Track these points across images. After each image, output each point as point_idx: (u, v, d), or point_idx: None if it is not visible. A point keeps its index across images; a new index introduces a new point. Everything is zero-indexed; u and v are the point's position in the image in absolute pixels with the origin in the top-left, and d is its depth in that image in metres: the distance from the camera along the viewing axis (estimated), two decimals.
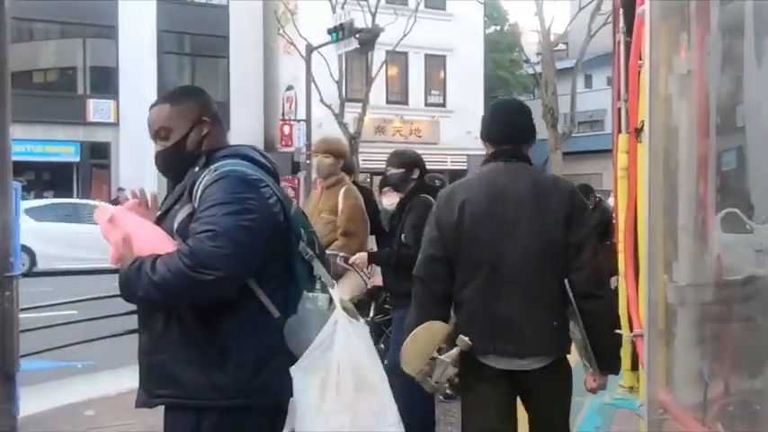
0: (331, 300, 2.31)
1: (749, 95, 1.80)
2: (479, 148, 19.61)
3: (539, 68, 25.91)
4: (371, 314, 5.03)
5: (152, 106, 2.36)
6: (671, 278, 2.03)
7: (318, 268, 2.30)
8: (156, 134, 2.32)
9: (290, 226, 2.24)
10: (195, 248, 2.00)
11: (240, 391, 2.12)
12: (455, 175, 22.02)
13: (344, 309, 2.30)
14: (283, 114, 25.36)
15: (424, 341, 2.98)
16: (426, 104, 28.64)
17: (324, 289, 2.32)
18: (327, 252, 4.82)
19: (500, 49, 35.95)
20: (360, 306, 5.25)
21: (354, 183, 5.96)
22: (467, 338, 2.86)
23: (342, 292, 4.83)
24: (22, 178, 24.82)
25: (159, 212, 2.31)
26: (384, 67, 24.11)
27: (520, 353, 2.84)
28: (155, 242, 2.13)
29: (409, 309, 4.07)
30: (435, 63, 28.66)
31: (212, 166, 2.18)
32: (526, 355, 2.84)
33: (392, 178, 4.63)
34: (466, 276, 2.92)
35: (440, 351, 2.93)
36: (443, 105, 28.73)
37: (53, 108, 23.60)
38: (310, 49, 21.34)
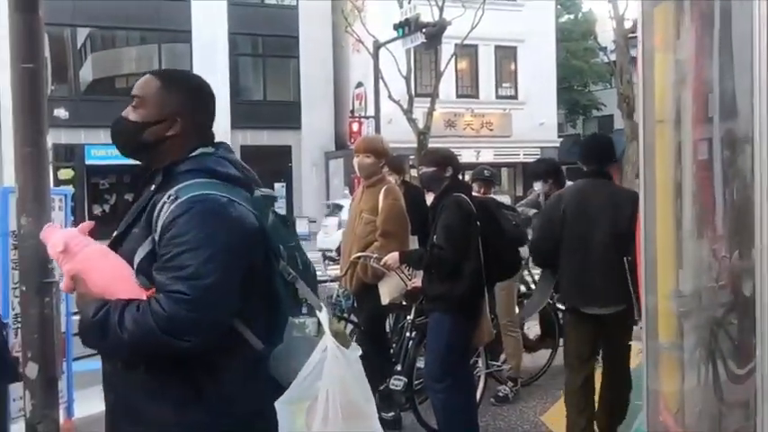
0: (320, 324, 2.08)
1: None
2: (552, 140, 19.60)
3: (614, 57, 25.16)
4: (412, 316, 4.93)
5: (151, 72, 2.16)
6: (677, 287, 1.87)
7: (303, 289, 2.09)
8: (132, 97, 2.10)
9: (268, 244, 2.03)
10: (171, 313, 1.82)
11: (219, 425, 1.95)
12: (527, 167, 21.72)
13: (335, 333, 2.07)
14: (353, 112, 25.44)
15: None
16: (497, 97, 28.25)
17: (311, 312, 2.09)
18: (363, 254, 4.79)
19: (574, 37, 35.12)
20: (399, 308, 5.17)
21: (405, 182, 5.87)
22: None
23: (381, 293, 4.81)
24: (104, 181, 25.79)
25: (116, 233, 2.10)
26: (453, 60, 23.86)
27: (600, 303, 4.30)
28: (117, 281, 1.93)
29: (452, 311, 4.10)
30: (506, 54, 28.23)
31: (173, 190, 1.95)
32: (603, 305, 4.29)
33: (424, 177, 4.53)
34: (566, 255, 4.36)
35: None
36: (515, 97, 28.28)
37: None
38: (378, 45, 21.31)
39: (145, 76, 2.14)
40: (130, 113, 2.10)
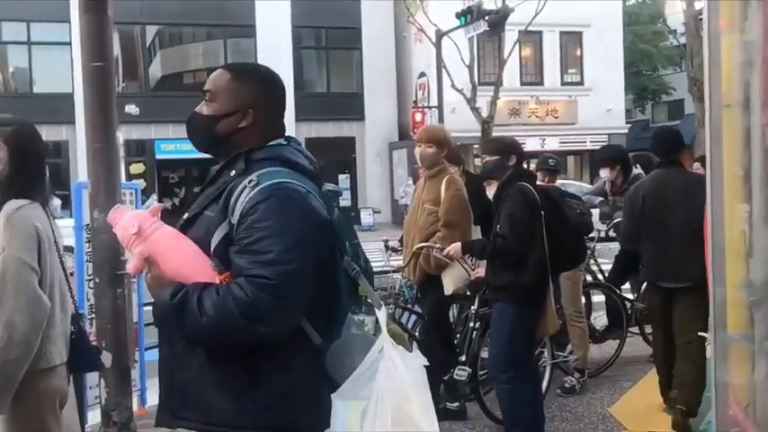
0: (378, 323, 2.05)
1: None
2: (620, 126, 19.25)
3: (683, 39, 24.44)
4: (476, 306, 4.90)
5: (223, 66, 2.16)
6: (747, 276, 1.81)
7: (364, 286, 2.07)
8: (204, 93, 2.12)
9: (334, 239, 2.03)
10: (253, 298, 1.82)
11: (269, 419, 1.94)
12: (594, 156, 21.29)
13: (393, 334, 2.03)
14: (416, 102, 25.38)
15: None
16: (563, 83, 27.74)
17: (370, 310, 2.07)
18: (425, 244, 4.79)
19: (641, 21, 34.26)
20: (463, 298, 5.15)
21: (466, 172, 5.83)
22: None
23: (444, 284, 4.80)
24: (174, 175, 26.40)
25: (187, 215, 2.09)
26: (517, 47, 23.55)
27: (676, 279, 4.75)
28: (192, 264, 1.91)
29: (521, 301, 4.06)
30: (571, 40, 27.68)
31: (253, 176, 1.96)
32: (679, 281, 4.73)
33: (487, 166, 4.48)
34: (646, 238, 4.90)
35: None
36: (581, 83, 27.73)
37: None
38: (440, 34, 21.19)
39: (216, 71, 2.15)
40: (204, 108, 2.12)
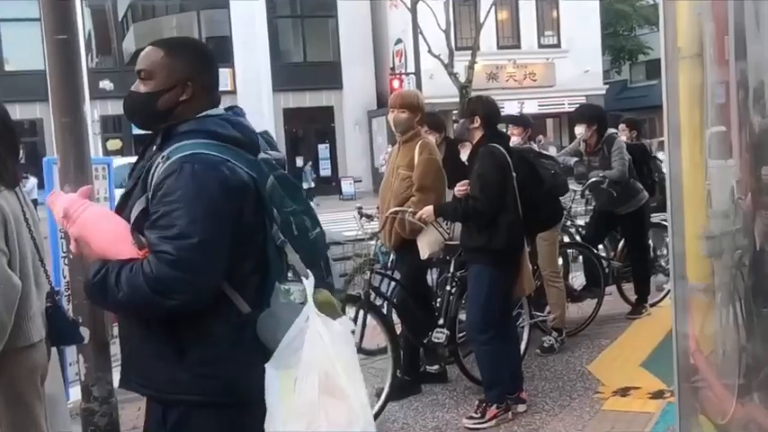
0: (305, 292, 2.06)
1: None
2: (598, 87, 19.26)
3: None
4: (452, 269, 4.93)
5: (151, 43, 2.17)
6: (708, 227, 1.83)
7: (291, 255, 2.09)
8: (138, 72, 2.13)
9: (261, 207, 2.05)
10: (158, 273, 1.88)
11: (199, 386, 2.01)
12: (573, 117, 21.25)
13: (320, 302, 2.05)
14: (393, 68, 25.25)
15: None
16: (540, 46, 27.71)
17: (298, 279, 2.08)
18: (399, 209, 4.79)
19: None
20: (441, 262, 5.17)
21: (447, 138, 5.80)
22: None
23: (420, 248, 4.82)
24: None
25: (122, 193, 2.16)
26: (493, 10, 23.41)
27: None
28: (115, 242, 1.99)
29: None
30: (548, 2, 27.61)
31: (166, 151, 1.99)
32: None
33: (458, 129, 4.49)
34: None
35: None
36: (558, 46, 27.71)
37: None
38: (416, 0, 21.03)
39: (146, 49, 2.16)
40: (141, 87, 2.13)
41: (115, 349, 5.09)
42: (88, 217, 2.03)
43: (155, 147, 2.09)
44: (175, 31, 27.25)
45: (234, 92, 25.49)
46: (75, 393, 4.45)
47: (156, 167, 1.98)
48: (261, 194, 2.04)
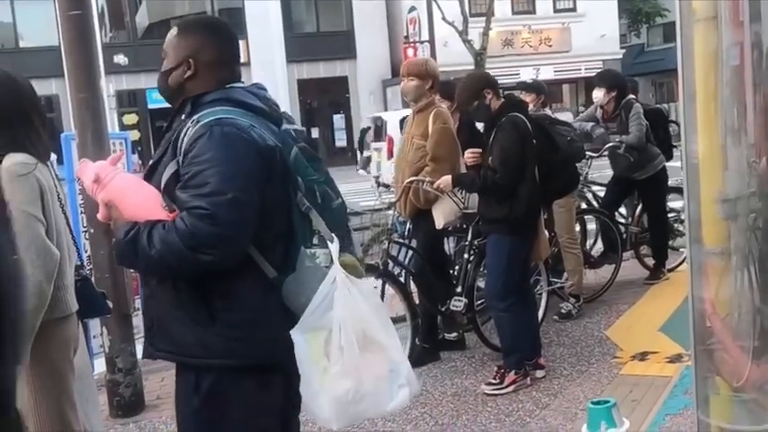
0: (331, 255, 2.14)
1: None
2: (615, 52, 18.83)
3: None
4: (470, 237, 4.94)
5: (176, 23, 2.31)
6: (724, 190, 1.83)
7: (317, 221, 2.15)
8: (162, 51, 2.26)
9: (287, 175, 2.12)
10: (193, 228, 1.94)
11: (231, 351, 2.07)
12: (590, 82, 21.07)
13: (345, 265, 2.12)
14: (407, 37, 25.06)
15: None
16: (555, 11, 27.36)
17: (323, 244, 2.15)
18: (415, 178, 4.79)
19: None
20: (458, 231, 5.18)
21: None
22: None
23: (435, 217, 4.83)
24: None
25: (150, 162, 2.23)
26: None
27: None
28: (146, 204, 2.06)
29: None
30: None
31: (196, 116, 2.07)
32: None
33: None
34: None
35: None
36: (574, 10, 27.34)
37: None
38: None
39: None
40: (163, 65, 2.24)
41: (137, 321, 5.20)
42: (119, 181, 2.10)
43: (183, 115, 2.16)
44: (188, 5, 27.15)
45: (248, 63, 25.42)
46: (100, 365, 4.54)
47: (186, 132, 2.06)
48: (286, 162, 2.12)
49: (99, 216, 2.15)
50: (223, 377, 2.10)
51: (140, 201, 2.07)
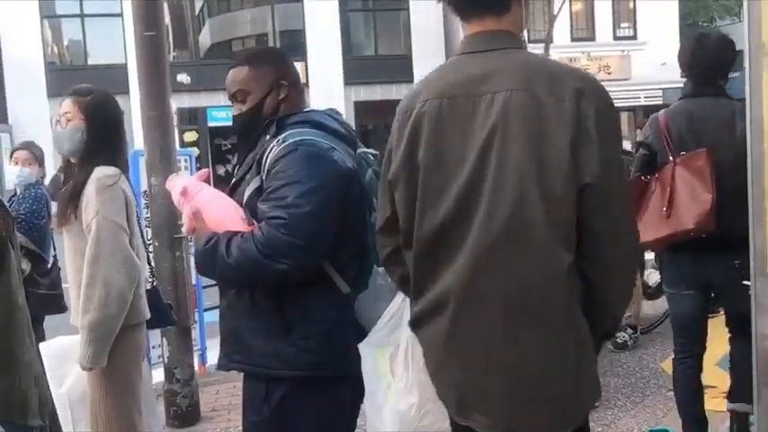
0: None
1: None
2: (676, 80, 18.21)
3: None
4: None
5: (231, 67, 2.34)
6: None
7: None
8: (234, 97, 2.31)
9: (363, 196, 2.21)
10: (269, 237, 2.02)
11: (304, 362, 2.13)
12: (649, 111, 20.78)
13: None
14: None
15: None
16: (615, 38, 27.08)
17: None
18: None
19: None
20: None
21: None
22: None
23: None
24: (226, 142, 26.72)
25: (233, 181, 2.32)
26: (567, 2, 23.05)
27: None
28: (228, 217, 2.16)
29: None
30: None
31: (281, 136, 2.17)
32: None
33: None
34: None
35: None
36: (634, 38, 27.03)
37: None
38: None
39: (229, 72, 2.33)
40: (242, 107, 2.31)
41: (195, 334, 5.31)
42: (205, 194, 2.24)
43: (268, 136, 2.25)
44: (249, 25, 27.73)
45: (306, 84, 25.81)
46: (158, 375, 4.66)
47: (271, 150, 2.15)
48: (361, 184, 2.22)
49: (184, 228, 2.28)
50: (294, 388, 2.16)
51: (222, 213, 2.18)
